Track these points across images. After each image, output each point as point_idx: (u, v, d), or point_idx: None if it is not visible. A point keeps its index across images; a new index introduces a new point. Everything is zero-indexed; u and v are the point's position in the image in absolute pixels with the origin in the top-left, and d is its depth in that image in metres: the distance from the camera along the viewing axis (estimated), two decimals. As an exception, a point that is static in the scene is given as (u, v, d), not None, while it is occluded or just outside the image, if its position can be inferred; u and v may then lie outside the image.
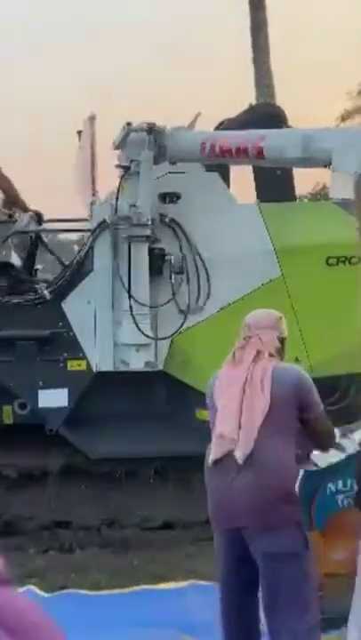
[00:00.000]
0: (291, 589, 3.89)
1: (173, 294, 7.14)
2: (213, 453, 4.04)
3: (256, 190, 8.32)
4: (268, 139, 5.83)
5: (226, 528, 4.05)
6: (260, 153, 5.82)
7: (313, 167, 5.67)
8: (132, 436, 7.23)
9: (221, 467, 4.00)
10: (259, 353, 4.08)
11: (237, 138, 6.10)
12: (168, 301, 7.14)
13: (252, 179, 8.08)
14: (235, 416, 3.98)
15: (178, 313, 7.18)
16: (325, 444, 4.22)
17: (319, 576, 4.12)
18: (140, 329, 7.03)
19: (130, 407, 7.30)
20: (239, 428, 3.95)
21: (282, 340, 4.22)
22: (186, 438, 7.20)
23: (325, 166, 5.26)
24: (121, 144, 6.97)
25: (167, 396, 7.36)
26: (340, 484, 4.54)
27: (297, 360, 7.27)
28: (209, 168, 7.43)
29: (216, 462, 4.01)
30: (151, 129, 6.82)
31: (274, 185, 7.86)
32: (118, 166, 6.95)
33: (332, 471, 4.50)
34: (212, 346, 7.21)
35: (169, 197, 7.20)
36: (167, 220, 7.17)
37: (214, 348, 7.21)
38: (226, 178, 7.73)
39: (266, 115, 7.76)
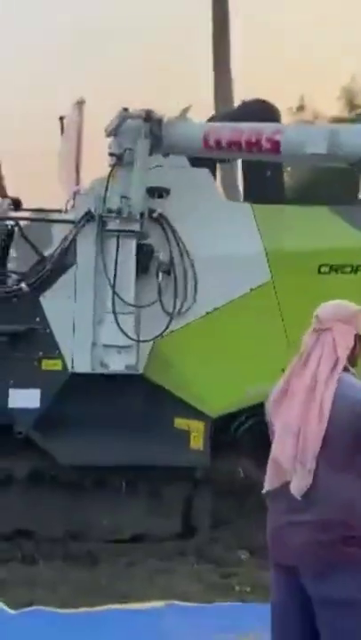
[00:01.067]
0: None
1: (160, 294, 6.71)
2: (269, 481, 3.56)
3: (244, 190, 8.00)
4: (287, 132, 5.46)
5: (279, 563, 3.58)
6: (275, 147, 5.44)
7: (335, 164, 5.32)
8: (104, 443, 6.80)
9: (280, 496, 3.53)
10: (326, 354, 3.50)
11: (248, 130, 5.71)
12: (154, 302, 6.71)
13: (241, 179, 7.79)
14: (292, 440, 3.46)
15: (162, 314, 6.76)
16: None
17: None
18: (122, 330, 6.59)
19: (104, 412, 6.87)
20: (296, 455, 3.45)
21: (357, 338, 3.61)
22: (161, 448, 6.86)
23: (351, 165, 4.92)
24: (114, 131, 6.52)
25: (144, 403, 6.94)
26: None
27: (283, 371, 6.94)
28: (194, 164, 7.06)
29: (274, 491, 3.55)
30: (149, 117, 6.40)
31: (264, 186, 7.54)
32: (111, 154, 6.50)
33: None
34: (195, 352, 6.88)
35: (157, 192, 6.80)
36: (156, 215, 6.75)
37: (198, 355, 6.90)
38: (213, 175, 7.37)
39: (259, 111, 7.39)
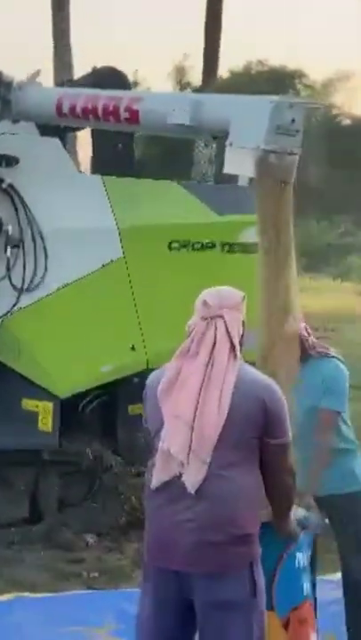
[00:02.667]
0: None
1: (8, 269, 6.37)
2: (157, 476, 3.31)
3: (94, 162, 7.75)
4: (146, 101, 5.18)
5: (161, 567, 3.33)
6: (134, 116, 5.16)
7: (200, 138, 5.09)
8: None
9: (166, 493, 3.29)
10: (221, 342, 3.31)
11: (105, 97, 5.41)
12: (2, 278, 6.37)
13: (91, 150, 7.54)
14: (185, 431, 3.24)
15: (11, 291, 6.42)
16: (283, 483, 3.41)
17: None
18: (-34, 307, 6.23)
19: None
20: (190, 446, 3.23)
21: (243, 325, 3.47)
22: (8, 430, 6.57)
23: (215, 138, 4.72)
24: None
25: (-11, 383, 6.59)
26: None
27: (133, 349, 6.77)
28: (44, 133, 6.75)
29: (160, 487, 3.31)
30: (-2, 78, 6.04)
31: (114, 158, 7.30)
32: None
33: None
34: (45, 330, 6.58)
35: (6, 160, 6.44)
36: (5, 186, 6.40)
37: (48, 333, 6.59)
38: (64, 145, 7.06)
39: (110, 79, 7.12)
